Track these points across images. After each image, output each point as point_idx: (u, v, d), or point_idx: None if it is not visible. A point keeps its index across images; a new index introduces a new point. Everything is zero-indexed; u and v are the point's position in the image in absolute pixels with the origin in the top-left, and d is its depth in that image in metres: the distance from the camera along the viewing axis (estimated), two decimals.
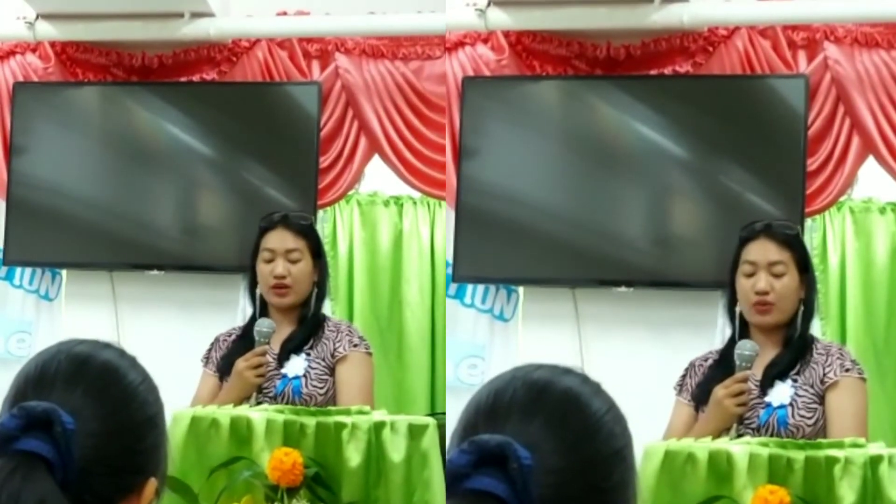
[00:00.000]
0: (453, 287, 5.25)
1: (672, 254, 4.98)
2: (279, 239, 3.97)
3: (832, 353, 3.53)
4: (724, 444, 3.22)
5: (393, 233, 5.78)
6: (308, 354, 3.87)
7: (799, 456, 3.12)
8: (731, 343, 3.60)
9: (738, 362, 3.50)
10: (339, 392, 3.82)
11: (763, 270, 3.56)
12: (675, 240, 5.00)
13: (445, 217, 5.33)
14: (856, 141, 4.86)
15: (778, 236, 3.61)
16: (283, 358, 3.87)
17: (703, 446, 3.18)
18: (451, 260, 5.20)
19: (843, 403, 3.47)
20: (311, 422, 3.44)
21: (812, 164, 4.85)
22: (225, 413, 3.52)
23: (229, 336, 4.02)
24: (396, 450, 3.40)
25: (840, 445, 3.14)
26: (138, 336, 5.34)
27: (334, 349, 3.86)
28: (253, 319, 3.96)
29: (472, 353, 5.22)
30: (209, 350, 4.02)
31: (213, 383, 3.95)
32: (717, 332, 4.72)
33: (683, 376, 3.66)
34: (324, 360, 3.86)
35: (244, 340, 3.93)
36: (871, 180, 5.02)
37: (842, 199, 5.02)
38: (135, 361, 1.61)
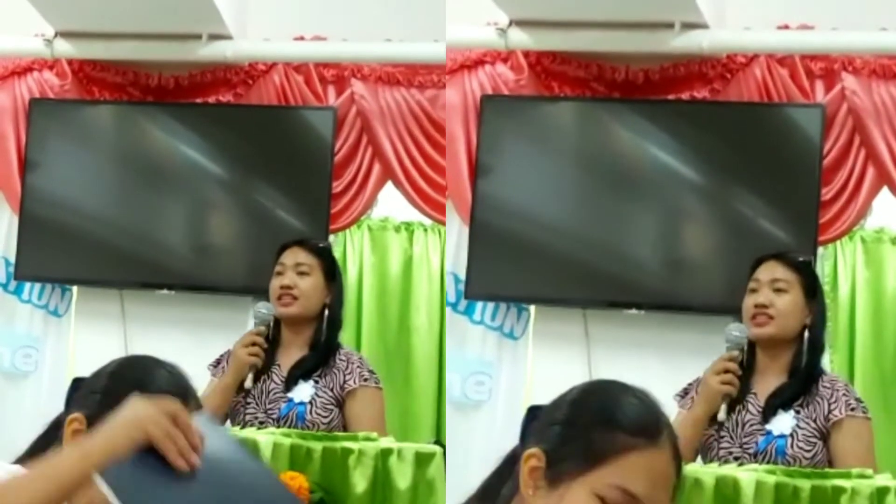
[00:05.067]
0: (463, 304, 5.24)
1: (683, 278, 4.98)
2: (291, 255, 3.99)
3: (837, 389, 3.51)
4: (731, 470, 3.23)
5: (403, 258, 5.77)
6: (316, 382, 3.85)
7: (805, 485, 3.12)
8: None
9: (726, 344, 3.55)
10: (351, 428, 3.78)
11: (765, 286, 3.59)
12: (687, 264, 5.00)
13: (446, 235, 5.32)
14: (871, 172, 4.85)
15: (787, 260, 3.66)
16: (290, 382, 3.85)
17: (710, 472, 3.19)
18: (461, 276, 5.18)
19: (849, 445, 3.45)
20: (317, 447, 3.45)
21: (826, 193, 4.85)
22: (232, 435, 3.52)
23: None
24: (403, 477, 3.40)
25: (847, 476, 3.16)
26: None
27: (344, 381, 3.84)
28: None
29: (480, 369, 5.19)
30: (218, 360, 4.01)
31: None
32: None
33: (686, 391, 3.64)
34: (332, 390, 3.83)
35: None
36: (883, 210, 5.02)
37: (854, 228, 5.01)
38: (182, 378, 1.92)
